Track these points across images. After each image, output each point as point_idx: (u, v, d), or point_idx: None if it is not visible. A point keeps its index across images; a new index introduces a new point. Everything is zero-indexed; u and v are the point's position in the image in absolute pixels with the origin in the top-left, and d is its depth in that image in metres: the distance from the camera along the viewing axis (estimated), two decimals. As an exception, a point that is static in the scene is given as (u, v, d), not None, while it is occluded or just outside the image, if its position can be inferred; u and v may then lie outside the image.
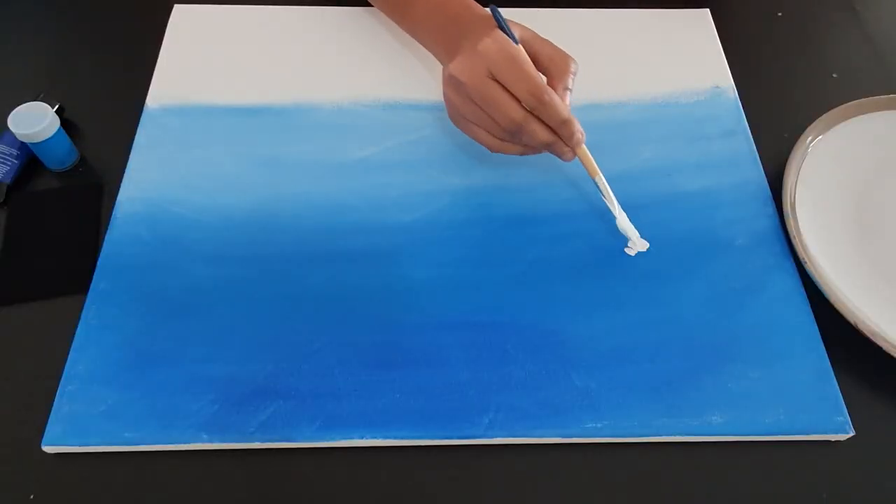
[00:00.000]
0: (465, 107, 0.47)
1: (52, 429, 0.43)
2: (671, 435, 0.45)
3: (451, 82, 0.47)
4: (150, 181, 0.54)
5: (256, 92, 0.60)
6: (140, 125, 0.57)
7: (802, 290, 0.51)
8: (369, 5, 0.65)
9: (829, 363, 0.48)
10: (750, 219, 0.54)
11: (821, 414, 0.46)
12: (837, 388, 0.47)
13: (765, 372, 0.47)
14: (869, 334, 0.47)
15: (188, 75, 0.60)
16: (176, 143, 0.56)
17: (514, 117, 0.45)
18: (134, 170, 0.55)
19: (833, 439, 0.46)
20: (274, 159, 0.56)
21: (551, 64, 0.47)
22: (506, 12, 0.67)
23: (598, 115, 0.60)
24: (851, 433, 0.45)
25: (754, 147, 0.58)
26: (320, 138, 0.57)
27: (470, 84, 0.45)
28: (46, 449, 0.43)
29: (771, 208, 0.55)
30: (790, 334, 0.49)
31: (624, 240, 0.52)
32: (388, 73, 0.62)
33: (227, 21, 0.65)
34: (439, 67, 0.62)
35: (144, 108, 0.58)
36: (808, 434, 0.45)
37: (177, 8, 0.65)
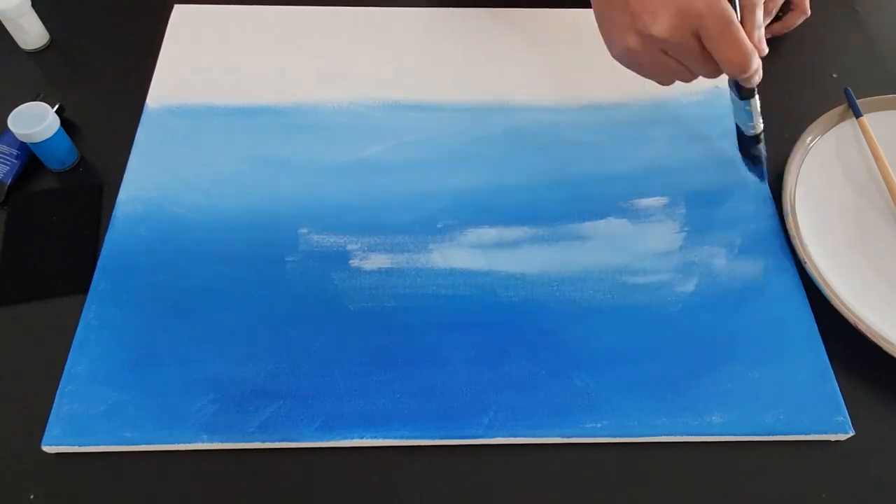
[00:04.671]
0: (652, 57, 0.46)
1: (51, 429, 0.43)
2: (671, 435, 0.45)
3: (649, 40, 0.44)
4: (150, 181, 0.54)
5: (256, 92, 0.60)
6: (140, 125, 0.57)
7: (802, 290, 0.51)
8: (369, 5, 0.65)
9: (828, 363, 0.48)
10: (750, 219, 0.54)
11: (821, 414, 0.46)
12: (837, 387, 0.47)
13: (765, 372, 0.47)
14: (869, 334, 0.47)
15: (188, 75, 0.60)
16: (176, 143, 0.56)
17: (707, 75, 0.45)
18: (134, 170, 0.55)
19: (833, 439, 0.46)
20: (274, 159, 0.56)
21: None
22: (506, 12, 0.68)
23: (598, 115, 0.60)
24: (851, 433, 0.45)
25: (754, 146, 0.58)
26: (320, 138, 0.57)
27: (673, 42, 0.43)
28: (46, 449, 0.43)
29: (771, 208, 0.55)
30: (790, 334, 0.49)
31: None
32: (388, 74, 0.61)
33: (227, 21, 0.65)
34: (439, 68, 0.62)
35: (144, 108, 0.58)
36: (807, 434, 0.45)
37: (177, 8, 0.65)
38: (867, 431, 0.46)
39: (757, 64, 0.44)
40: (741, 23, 0.44)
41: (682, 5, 0.42)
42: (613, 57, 0.48)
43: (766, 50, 0.45)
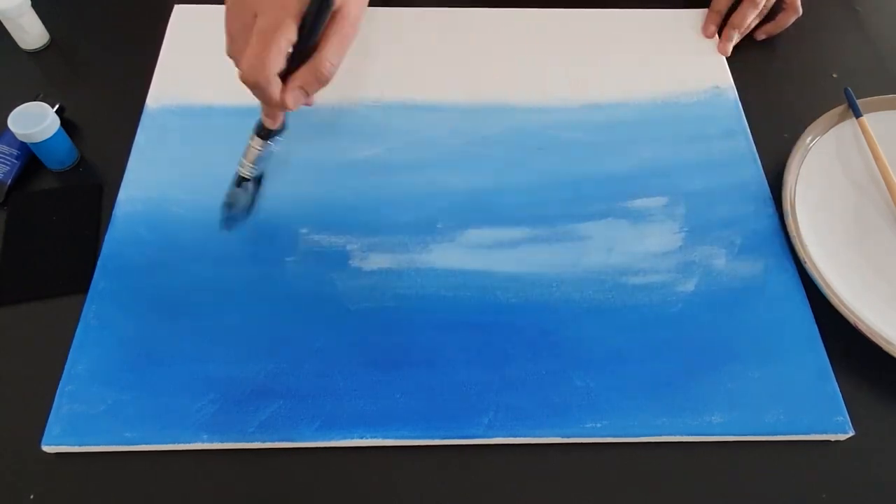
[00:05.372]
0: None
1: (51, 429, 0.43)
2: (671, 435, 0.45)
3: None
4: (150, 181, 0.54)
5: (256, 92, 0.60)
6: (140, 125, 0.57)
7: (802, 289, 0.51)
8: (371, 5, 0.65)
9: (828, 363, 0.48)
10: (750, 219, 0.54)
11: (820, 414, 0.46)
12: (837, 387, 0.47)
13: (764, 372, 0.47)
14: (868, 334, 0.47)
15: (188, 75, 0.60)
16: (176, 143, 0.56)
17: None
18: (134, 170, 0.55)
19: (833, 439, 0.46)
20: (273, 159, 0.56)
21: None
22: (505, 11, 0.67)
23: (598, 115, 0.60)
24: (851, 433, 0.45)
25: (754, 147, 0.58)
26: (320, 139, 0.57)
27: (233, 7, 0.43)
28: (46, 449, 0.43)
29: (771, 208, 0.55)
30: (790, 334, 0.49)
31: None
32: (387, 74, 0.61)
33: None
34: (439, 69, 0.62)
35: (144, 108, 0.58)
36: (807, 434, 0.45)
37: (177, 8, 0.65)
38: (867, 431, 0.46)
39: (270, 92, 0.42)
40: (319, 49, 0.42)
41: None
42: None
43: (293, 105, 0.44)
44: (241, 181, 0.49)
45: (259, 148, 0.48)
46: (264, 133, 0.47)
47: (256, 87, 0.43)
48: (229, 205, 0.49)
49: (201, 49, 0.62)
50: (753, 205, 0.55)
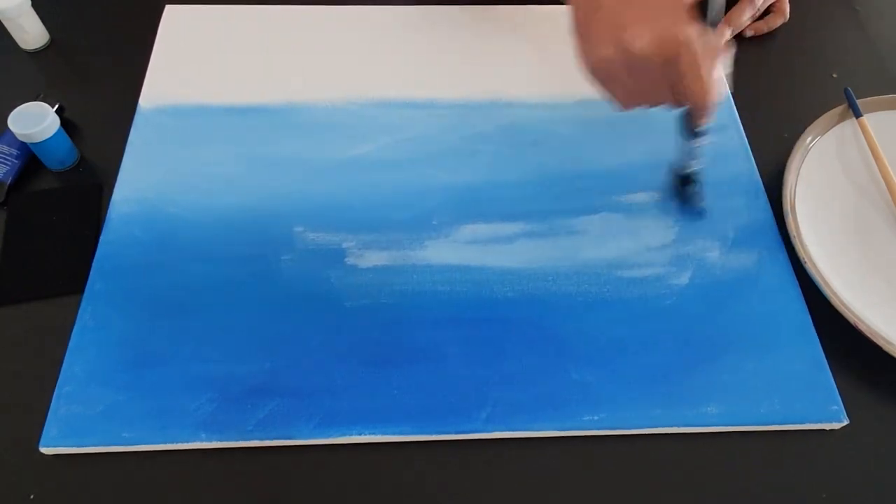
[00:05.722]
0: (621, 73, 0.45)
1: (49, 430, 0.43)
2: (668, 426, 0.45)
3: (625, 55, 0.44)
4: (144, 181, 0.54)
5: (249, 91, 0.60)
6: (133, 125, 0.57)
7: (795, 281, 0.51)
8: (364, 3, 0.65)
9: (822, 353, 0.48)
10: (742, 211, 0.54)
11: (815, 403, 0.46)
12: (831, 377, 0.47)
13: (759, 362, 0.47)
14: (869, 334, 0.47)
15: (181, 75, 0.60)
16: (170, 143, 0.56)
17: (669, 102, 0.45)
18: (128, 170, 0.55)
19: (827, 428, 0.46)
20: (268, 158, 0.56)
21: None
22: (498, 9, 0.67)
23: (592, 110, 0.60)
24: (846, 421, 0.46)
25: (745, 140, 0.58)
26: (314, 137, 0.57)
27: (647, 62, 0.43)
28: (44, 450, 0.43)
29: (763, 201, 0.55)
30: (784, 325, 0.49)
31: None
32: (380, 71, 0.61)
33: (218, 21, 0.64)
34: (432, 66, 0.62)
35: (137, 109, 0.58)
36: (802, 423, 0.46)
37: (168, 8, 0.65)
38: (867, 431, 0.46)
39: (714, 105, 0.44)
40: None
41: (668, 31, 0.42)
42: (584, 65, 0.47)
43: (725, 92, 0.46)
44: (690, 179, 0.53)
45: (703, 146, 0.51)
46: (699, 133, 0.49)
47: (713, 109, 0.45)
48: (689, 197, 0.54)
49: (193, 49, 0.62)
50: (746, 198, 0.55)
